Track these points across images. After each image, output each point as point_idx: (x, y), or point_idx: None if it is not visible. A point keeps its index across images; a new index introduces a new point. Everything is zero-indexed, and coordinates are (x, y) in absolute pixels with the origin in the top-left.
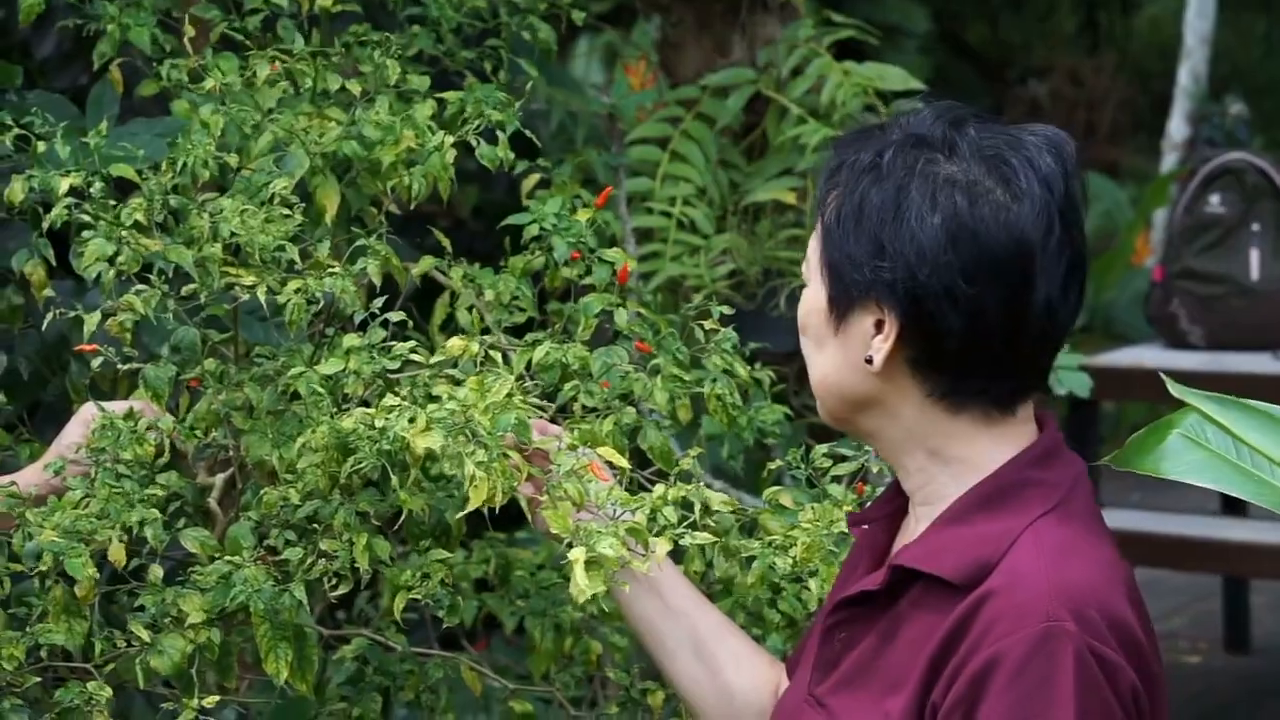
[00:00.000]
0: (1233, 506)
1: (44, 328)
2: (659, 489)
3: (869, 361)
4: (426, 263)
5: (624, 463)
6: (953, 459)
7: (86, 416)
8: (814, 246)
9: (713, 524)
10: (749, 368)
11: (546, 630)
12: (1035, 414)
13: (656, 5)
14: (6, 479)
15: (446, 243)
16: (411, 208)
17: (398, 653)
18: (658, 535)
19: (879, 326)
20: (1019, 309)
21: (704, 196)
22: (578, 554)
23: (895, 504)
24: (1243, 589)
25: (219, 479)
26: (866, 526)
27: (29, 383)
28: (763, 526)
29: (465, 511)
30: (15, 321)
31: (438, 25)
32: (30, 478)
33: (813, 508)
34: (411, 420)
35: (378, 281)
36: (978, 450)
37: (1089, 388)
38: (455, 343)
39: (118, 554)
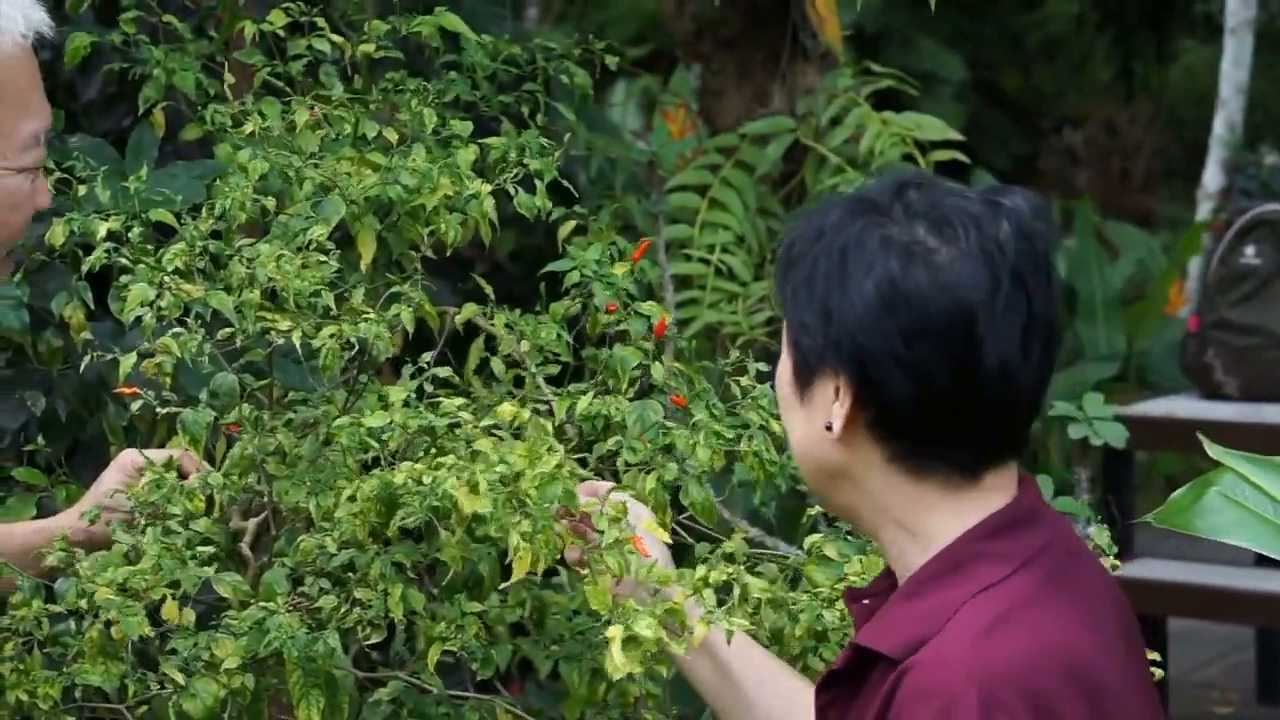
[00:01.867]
0: (1267, 558)
1: (81, 370)
2: (700, 569)
3: (829, 428)
4: (470, 310)
5: (666, 537)
6: (919, 531)
7: (125, 463)
8: (786, 320)
9: (750, 610)
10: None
11: (582, 675)
12: (1020, 477)
13: (697, 54)
14: (39, 524)
15: (489, 289)
16: (448, 253)
17: (433, 695)
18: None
19: (837, 392)
20: (968, 371)
21: (743, 244)
22: (615, 632)
23: (889, 580)
24: (1276, 640)
25: (252, 523)
26: (867, 602)
27: (67, 424)
28: (808, 578)
29: (512, 582)
30: (54, 363)
31: (473, 72)
32: (64, 523)
33: (860, 559)
34: (462, 479)
35: (410, 328)
36: (941, 521)
37: (1125, 438)
38: (507, 408)
39: (171, 612)
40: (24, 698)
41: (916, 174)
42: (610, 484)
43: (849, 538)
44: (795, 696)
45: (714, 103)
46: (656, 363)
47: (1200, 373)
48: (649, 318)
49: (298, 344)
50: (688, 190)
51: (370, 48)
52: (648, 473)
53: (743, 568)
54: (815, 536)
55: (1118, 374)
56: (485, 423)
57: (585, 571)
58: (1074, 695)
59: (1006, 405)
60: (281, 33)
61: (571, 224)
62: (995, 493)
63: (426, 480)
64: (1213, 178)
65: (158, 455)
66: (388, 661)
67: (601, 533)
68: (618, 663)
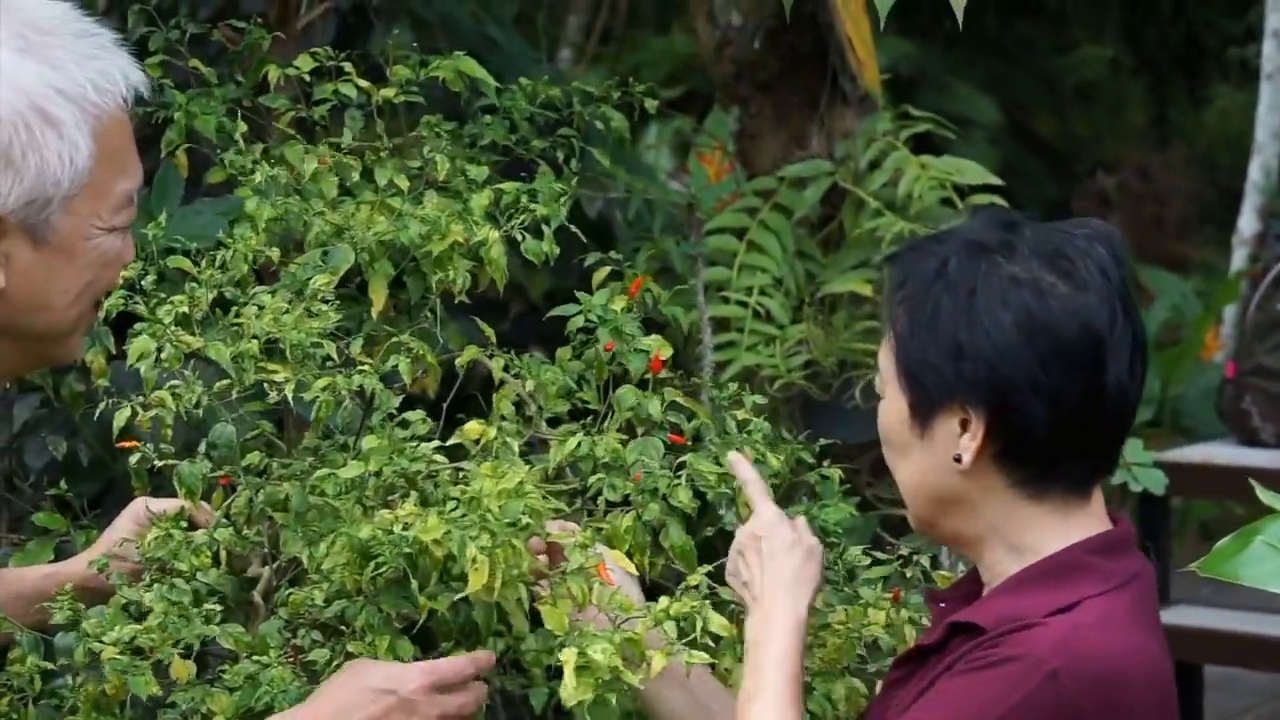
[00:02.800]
0: None
1: (96, 416)
2: (663, 601)
3: (958, 460)
4: (471, 351)
5: (632, 568)
6: (1026, 548)
7: (137, 511)
8: (886, 359)
9: (711, 645)
10: (820, 464)
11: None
12: (1110, 514)
13: (735, 96)
14: (51, 569)
15: (490, 332)
16: (460, 298)
17: None
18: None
19: (964, 425)
20: (1095, 392)
21: (780, 287)
22: (569, 655)
23: (973, 587)
24: None
25: (266, 571)
26: (944, 605)
27: (90, 468)
28: None
29: (463, 594)
30: (77, 408)
31: (510, 115)
32: (75, 569)
33: (845, 610)
34: (425, 522)
35: (408, 380)
36: (1049, 539)
37: (1164, 484)
38: (473, 426)
39: (180, 670)
40: None
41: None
42: (574, 525)
43: (838, 589)
44: None
45: (752, 145)
46: (655, 400)
47: (1237, 419)
48: (647, 352)
49: (289, 396)
50: (725, 233)
51: (391, 92)
52: (626, 513)
53: (708, 603)
54: None
55: (1152, 419)
56: (453, 440)
57: (546, 596)
58: (1150, 708)
59: (1121, 423)
60: (308, 77)
61: (606, 270)
62: (1096, 514)
63: (396, 529)
64: (1248, 223)
65: (169, 505)
66: None
67: (569, 560)
68: (570, 687)
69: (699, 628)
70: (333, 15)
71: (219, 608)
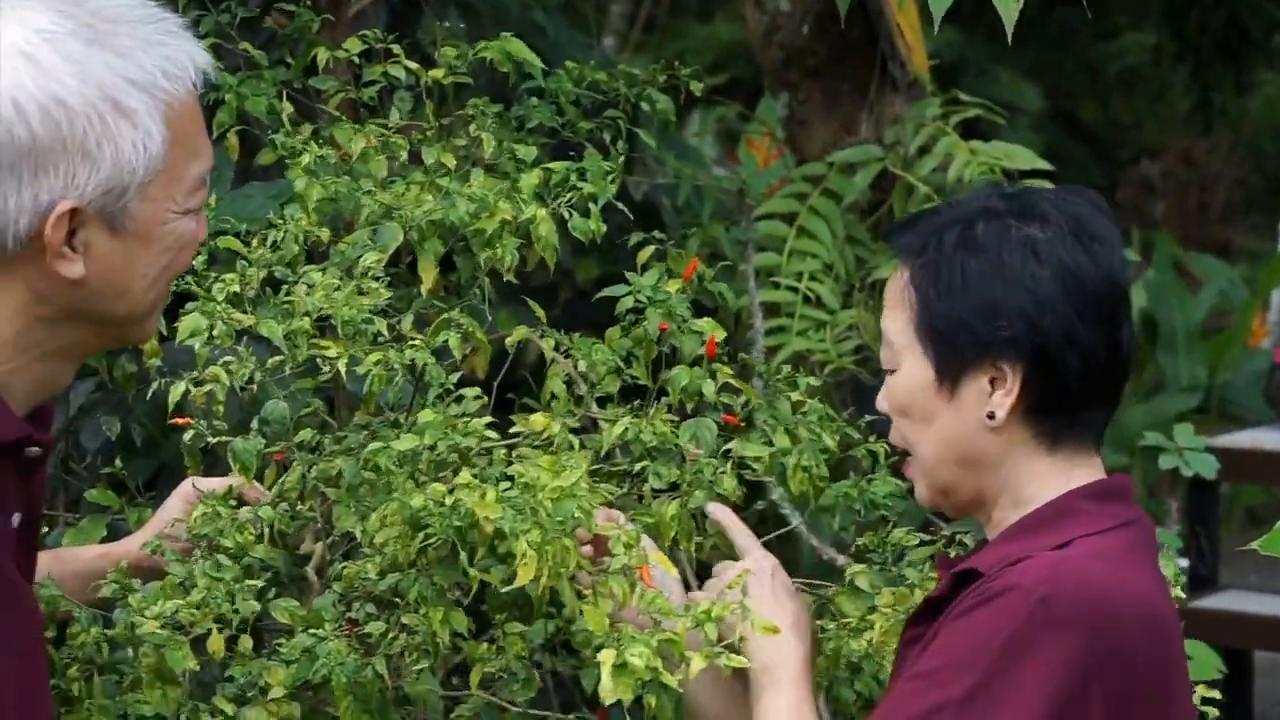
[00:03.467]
0: None
1: (149, 396)
2: (704, 603)
3: (991, 417)
4: (521, 331)
5: (674, 570)
6: (1030, 500)
7: (187, 491)
8: (900, 331)
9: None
10: (867, 440)
11: (667, 699)
12: (1114, 475)
13: (784, 82)
14: (105, 549)
15: (541, 312)
16: (508, 278)
17: (514, 713)
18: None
19: (994, 383)
20: (1115, 345)
21: (830, 272)
22: (607, 656)
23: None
24: None
25: (319, 547)
26: (953, 570)
27: (144, 447)
28: (837, 608)
29: (511, 588)
30: (129, 388)
31: (556, 98)
32: (128, 549)
33: (891, 592)
34: (482, 497)
35: (458, 355)
36: (1050, 489)
37: (1215, 468)
38: (538, 419)
39: (217, 645)
40: None
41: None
42: (621, 514)
43: (884, 569)
44: None
45: (801, 131)
46: (708, 381)
47: None
48: (700, 334)
49: (343, 371)
50: (775, 218)
51: (440, 74)
52: (672, 501)
53: (748, 603)
54: (856, 568)
55: (1199, 405)
56: (515, 429)
57: (588, 593)
58: (1141, 635)
59: (1127, 375)
60: (357, 60)
61: (650, 249)
62: (1094, 467)
63: (448, 501)
64: None
65: (219, 483)
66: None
67: (614, 556)
68: (607, 687)
69: (740, 629)
70: (383, 2)
71: (259, 582)
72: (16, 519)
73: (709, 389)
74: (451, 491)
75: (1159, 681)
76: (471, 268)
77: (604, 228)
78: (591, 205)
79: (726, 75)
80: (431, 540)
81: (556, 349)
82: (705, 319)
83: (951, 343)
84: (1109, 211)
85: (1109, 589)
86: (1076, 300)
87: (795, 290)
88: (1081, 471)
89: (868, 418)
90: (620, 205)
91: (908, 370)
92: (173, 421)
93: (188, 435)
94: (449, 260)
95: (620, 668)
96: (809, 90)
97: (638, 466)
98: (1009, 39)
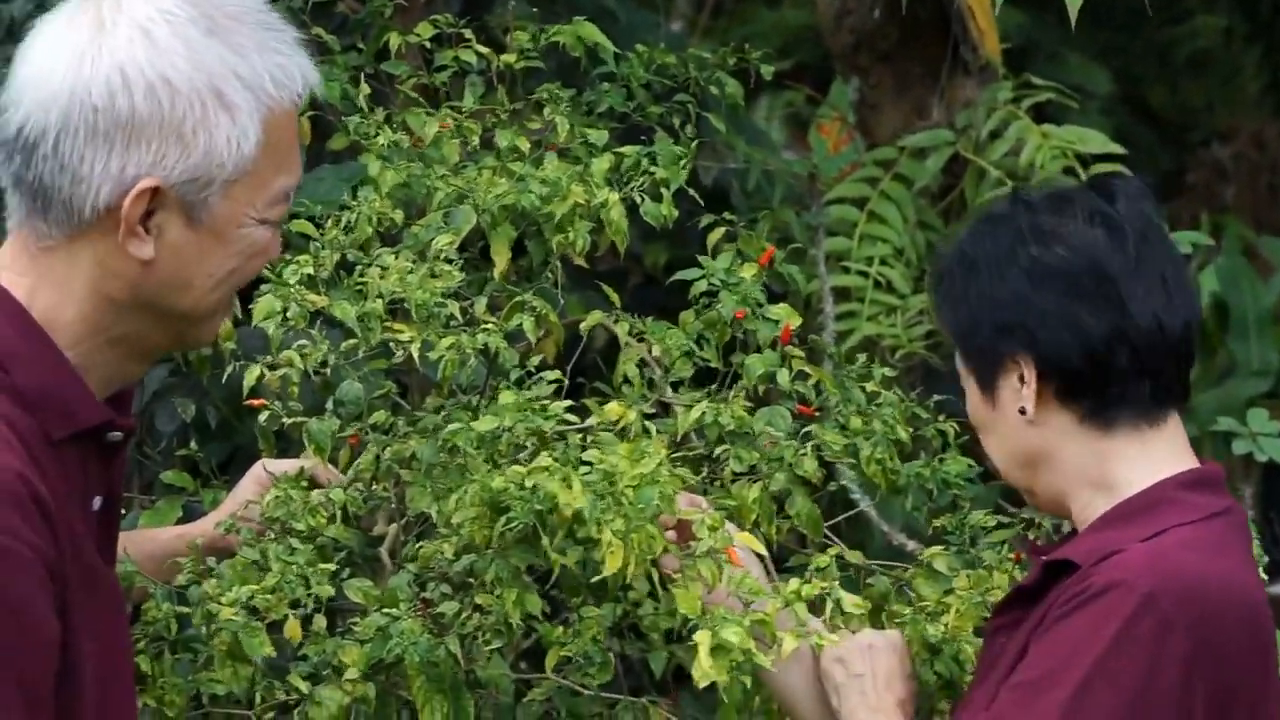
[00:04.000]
0: None
1: (224, 380)
2: (793, 583)
3: (1023, 412)
4: (595, 317)
5: (760, 547)
6: (1112, 484)
7: (259, 473)
8: (957, 356)
9: (842, 626)
10: (936, 419)
11: (736, 683)
12: (1204, 462)
13: (856, 67)
14: (182, 530)
15: (615, 297)
16: (579, 262)
17: (587, 695)
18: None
19: (1021, 380)
20: (1124, 323)
21: (901, 257)
22: (703, 637)
23: (1072, 538)
24: None
25: (393, 529)
26: (1045, 558)
27: (219, 430)
28: (915, 591)
29: (599, 577)
30: (204, 371)
31: (627, 82)
32: (201, 530)
33: (967, 575)
34: (563, 480)
35: (532, 338)
36: (1133, 470)
37: None
38: (614, 407)
39: (294, 631)
40: (151, 703)
41: (1025, 186)
42: (703, 499)
43: (961, 552)
44: None
45: (872, 116)
46: (782, 369)
47: None
48: (776, 322)
49: (415, 355)
50: (846, 203)
51: (512, 58)
52: (754, 482)
53: (837, 582)
54: (933, 549)
55: (1270, 390)
56: (591, 421)
57: (678, 576)
58: (1240, 627)
59: (1172, 349)
60: (429, 44)
61: (720, 231)
62: (1178, 449)
63: (528, 484)
64: None
65: (291, 465)
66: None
67: (699, 540)
68: (704, 668)
69: (829, 608)
70: None
71: (333, 565)
72: (97, 502)
73: (783, 377)
74: (530, 473)
75: (1257, 672)
76: (543, 252)
77: (675, 213)
78: (664, 190)
79: (794, 60)
80: (513, 524)
81: (630, 333)
82: (780, 305)
83: (973, 352)
84: (1137, 192)
85: (1209, 582)
86: (1059, 285)
87: (866, 275)
88: (1163, 456)
89: (936, 397)
90: (689, 190)
91: (968, 391)
92: (248, 403)
93: (262, 417)
94: (521, 245)
95: (716, 649)
96: (880, 74)
97: (717, 451)
98: (1073, 23)
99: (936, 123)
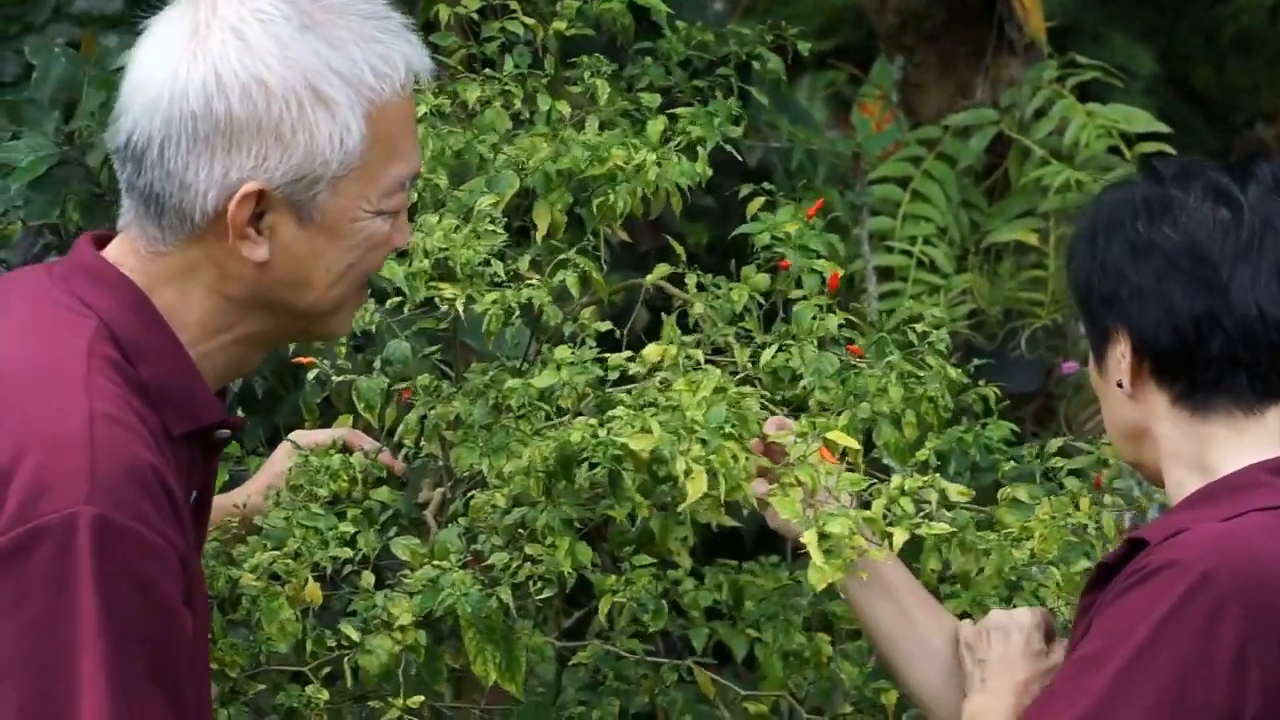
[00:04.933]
0: None
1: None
2: (895, 479)
3: (1121, 385)
4: (661, 269)
5: (854, 444)
6: (1205, 465)
7: (290, 445)
8: None
9: (949, 515)
10: (976, 385)
11: (778, 657)
12: None
13: (900, 46)
14: (223, 499)
15: (680, 249)
16: (621, 234)
17: (631, 659)
18: (893, 525)
19: (1123, 354)
20: (1221, 309)
21: (945, 236)
22: (810, 536)
23: None
24: None
25: (437, 493)
26: (1129, 536)
27: (265, 400)
28: (999, 521)
29: (686, 504)
30: None
31: (667, 58)
32: (247, 492)
33: (1050, 500)
34: (633, 425)
35: (576, 294)
36: (1225, 454)
37: None
38: (653, 349)
39: (314, 593)
40: (214, 665)
41: (1169, 157)
42: (790, 421)
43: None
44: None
45: (916, 95)
46: (830, 314)
47: None
48: (822, 274)
49: (460, 311)
50: (889, 182)
51: (562, 25)
52: (838, 414)
53: (938, 475)
54: (1009, 488)
55: None
56: (635, 368)
57: (774, 488)
58: None
59: (1264, 337)
60: (476, 16)
61: (760, 201)
62: (1278, 436)
63: (602, 432)
64: None
65: (325, 435)
66: (585, 635)
67: (788, 454)
68: (819, 565)
69: (935, 499)
70: None
71: (352, 528)
72: (193, 496)
73: (832, 323)
74: (604, 424)
75: None
76: (587, 216)
77: (709, 171)
78: (700, 149)
79: (836, 40)
80: (595, 473)
81: (700, 287)
82: (823, 260)
83: (1085, 315)
84: (1271, 178)
85: (1270, 564)
86: (1154, 261)
87: (909, 254)
88: (1259, 442)
89: (976, 362)
90: (737, 155)
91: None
92: (295, 360)
93: (310, 375)
94: (573, 217)
95: (826, 545)
96: (924, 53)
97: (799, 387)
98: None
99: (981, 102)
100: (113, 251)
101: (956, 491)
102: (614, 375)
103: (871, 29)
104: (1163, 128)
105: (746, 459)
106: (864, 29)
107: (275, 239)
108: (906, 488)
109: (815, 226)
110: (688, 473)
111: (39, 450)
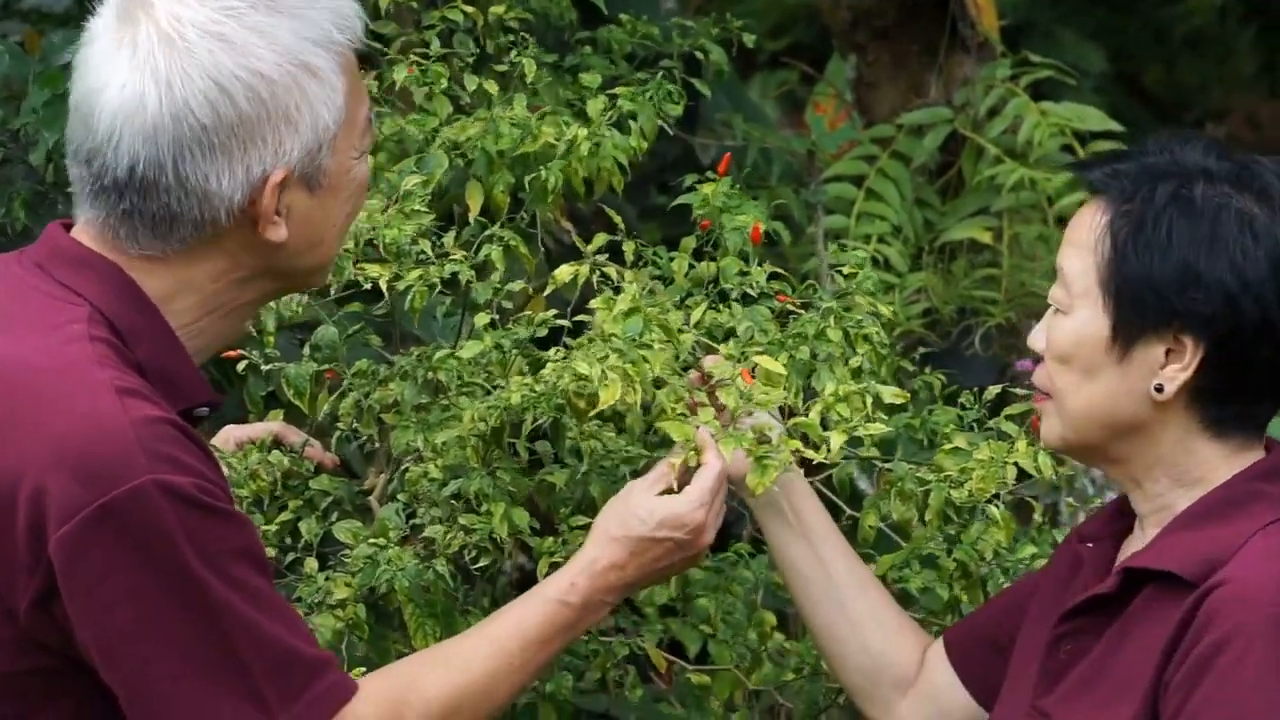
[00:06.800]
0: None
1: None
2: (830, 386)
3: (1159, 390)
4: (599, 240)
5: (779, 368)
6: (1194, 481)
7: (225, 438)
8: (1080, 272)
9: (884, 418)
10: (923, 372)
11: (732, 654)
12: (1266, 443)
13: (853, 44)
14: None
15: (619, 219)
16: (559, 219)
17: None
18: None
19: (1169, 354)
20: None
21: (899, 235)
22: (744, 442)
23: (1120, 523)
24: None
25: (380, 479)
26: (1091, 545)
27: None
28: (938, 465)
29: (596, 410)
30: None
31: (609, 50)
32: None
33: (988, 444)
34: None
35: (500, 267)
36: (1219, 472)
37: None
38: (564, 269)
39: None
40: None
41: (1215, 141)
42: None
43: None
44: (882, 608)
45: (870, 93)
46: (757, 268)
47: None
48: (742, 230)
49: (384, 288)
50: (844, 181)
51: (500, 9)
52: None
53: (873, 381)
54: (949, 432)
55: None
56: (549, 290)
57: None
58: None
59: None
60: (416, 4)
61: (695, 178)
62: (1258, 448)
63: (540, 386)
64: None
65: (258, 430)
66: None
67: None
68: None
69: (869, 402)
70: None
71: (274, 524)
72: None
73: (759, 274)
74: (539, 380)
75: None
76: (528, 197)
77: (644, 144)
78: (634, 122)
79: (789, 38)
80: (540, 422)
81: (639, 258)
82: (744, 215)
83: (1138, 302)
84: None
85: None
86: (1265, 292)
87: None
88: (1252, 454)
89: (923, 349)
90: (686, 139)
91: (1081, 318)
92: (225, 354)
93: (240, 365)
94: (517, 201)
95: (760, 452)
96: (877, 52)
97: (741, 329)
98: None
99: (934, 100)
100: (86, 240)
101: (891, 394)
102: (541, 333)
103: (825, 27)
104: (1116, 126)
105: (663, 365)
106: (817, 27)
107: (292, 215)
108: (841, 393)
109: (733, 185)
110: (601, 379)
111: (78, 437)
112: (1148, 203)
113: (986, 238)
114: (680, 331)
